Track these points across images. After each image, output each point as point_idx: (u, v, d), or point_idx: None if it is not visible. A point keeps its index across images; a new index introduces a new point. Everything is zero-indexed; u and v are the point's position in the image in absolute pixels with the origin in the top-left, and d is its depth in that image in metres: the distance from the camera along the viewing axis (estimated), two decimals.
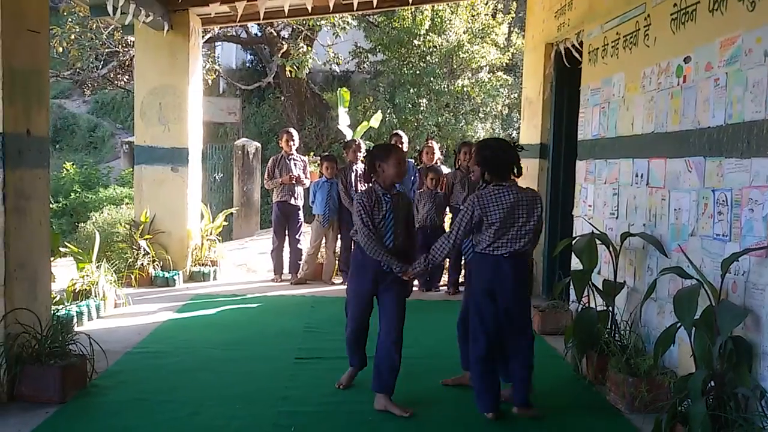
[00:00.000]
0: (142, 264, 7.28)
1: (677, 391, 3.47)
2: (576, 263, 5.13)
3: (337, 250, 7.78)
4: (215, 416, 3.88)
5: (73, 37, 13.28)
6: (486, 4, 15.57)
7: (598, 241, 4.72)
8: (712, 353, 3.34)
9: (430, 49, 15.29)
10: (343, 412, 3.97)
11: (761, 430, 2.98)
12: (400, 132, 7.72)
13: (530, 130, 7.49)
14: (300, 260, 7.87)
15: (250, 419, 3.85)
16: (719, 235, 3.63)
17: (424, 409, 4.06)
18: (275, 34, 15.53)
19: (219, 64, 18.37)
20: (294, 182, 7.67)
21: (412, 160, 7.64)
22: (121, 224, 7.79)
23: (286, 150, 7.80)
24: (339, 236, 7.68)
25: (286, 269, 7.93)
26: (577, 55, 6.20)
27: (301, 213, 7.87)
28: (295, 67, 14.22)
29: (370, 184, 4.12)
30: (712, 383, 3.34)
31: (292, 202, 7.74)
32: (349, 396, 4.24)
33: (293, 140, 7.82)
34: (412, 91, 15.11)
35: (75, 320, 5.48)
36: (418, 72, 15.26)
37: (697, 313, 3.43)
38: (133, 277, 7.19)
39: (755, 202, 3.31)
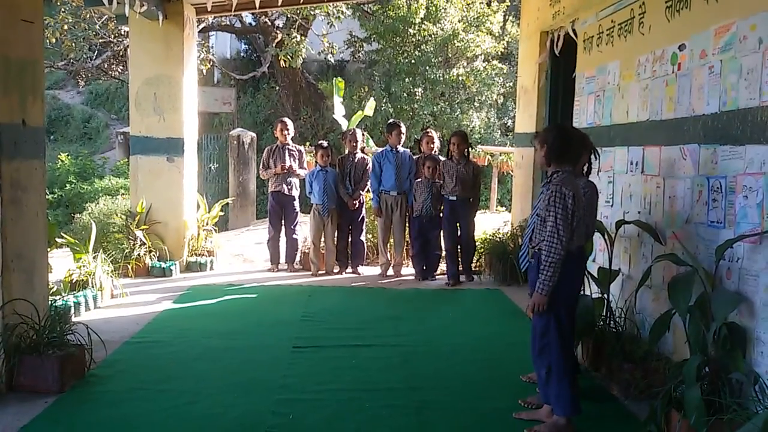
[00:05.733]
0: (138, 254, 7.28)
1: (672, 377, 3.50)
2: None
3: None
4: (213, 405, 3.90)
5: (66, 27, 13.20)
6: None
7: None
8: (707, 339, 3.37)
9: (425, 38, 15.28)
10: (340, 400, 3.99)
11: (755, 415, 3.00)
12: (400, 122, 7.71)
13: (525, 119, 7.50)
14: (296, 250, 7.88)
15: (249, 408, 3.87)
16: (714, 222, 3.65)
17: (423, 394, 4.09)
18: (269, 23, 15.48)
19: (213, 54, 18.31)
20: (287, 172, 7.66)
21: (408, 150, 7.64)
22: (117, 215, 7.79)
23: (280, 140, 7.78)
24: (337, 225, 7.67)
25: (282, 259, 7.94)
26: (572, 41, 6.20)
27: (296, 203, 7.86)
28: (289, 56, 14.17)
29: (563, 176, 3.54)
30: (707, 369, 3.37)
31: (287, 191, 7.72)
32: (347, 384, 4.25)
33: (288, 130, 7.80)
34: (407, 80, 15.11)
35: (72, 311, 5.49)
36: (413, 61, 15.24)
37: (692, 300, 3.46)
38: (129, 267, 7.19)
39: (749, 189, 3.33)
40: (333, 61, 17.35)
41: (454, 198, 6.97)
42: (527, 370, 4.29)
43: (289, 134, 7.80)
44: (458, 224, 7.14)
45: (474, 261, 7.58)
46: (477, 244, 7.58)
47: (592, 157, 4.19)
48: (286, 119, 8.01)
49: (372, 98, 13.35)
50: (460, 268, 7.31)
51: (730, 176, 3.51)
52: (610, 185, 5.10)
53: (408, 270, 7.71)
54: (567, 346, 3.61)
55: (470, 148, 7.12)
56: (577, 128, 4.17)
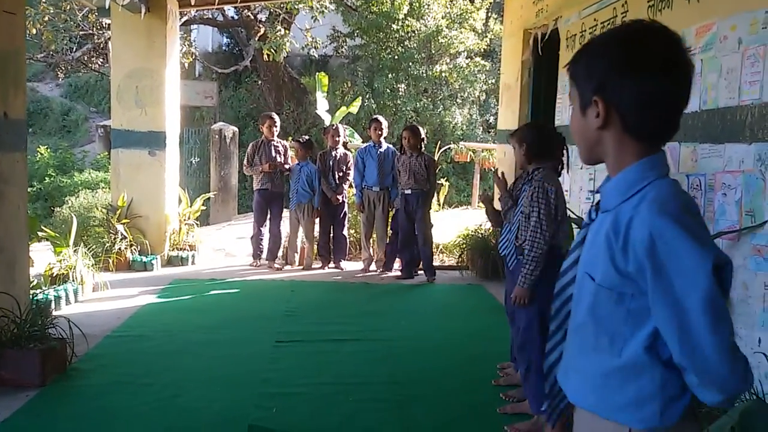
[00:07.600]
0: (119, 248, 7.23)
1: None
2: None
3: (315, 235, 7.78)
4: (196, 398, 3.90)
5: (47, 18, 13.06)
6: None
7: (573, 225, 4.79)
8: None
9: (409, 34, 15.29)
10: (324, 394, 4.01)
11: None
12: (380, 117, 7.69)
13: (508, 116, 7.55)
14: (279, 245, 7.87)
15: (232, 401, 3.88)
16: None
17: (406, 388, 4.12)
18: (252, 17, 15.40)
19: (195, 47, 18.16)
20: (275, 169, 7.62)
21: (392, 146, 7.64)
22: (97, 208, 7.74)
23: (267, 135, 7.72)
24: (319, 220, 7.68)
25: (264, 254, 7.92)
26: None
27: (283, 199, 7.84)
28: (272, 50, 14.10)
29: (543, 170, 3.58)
30: None
31: (274, 189, 7.69)
32: (330, 378, 4.27)
33: (276, 126, 7.73)
34: (390, 76, 15.11)
35: (53, 304, 5.45)
36: (396, 57, 15.25)
37: None
38: (110, 261, 7.14)
39: (728, 186, 3.39)
40: (316, 56, 17.31)
41: (409, 191, 6.94)
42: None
43: (276, 130, 7.76)
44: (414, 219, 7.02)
45: (458, 257, 7.61)
46: (461, 240, 7.60)
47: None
48: (273, 115, 7.93)
49: (358, 97, 13.36)
50: (420, 266, 7.24)
51: (709, 174, 3.56)
52: (591, 182, 5.15)
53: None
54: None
55: (423, 142, 7.07)
56: (549, 125, 4.24)
